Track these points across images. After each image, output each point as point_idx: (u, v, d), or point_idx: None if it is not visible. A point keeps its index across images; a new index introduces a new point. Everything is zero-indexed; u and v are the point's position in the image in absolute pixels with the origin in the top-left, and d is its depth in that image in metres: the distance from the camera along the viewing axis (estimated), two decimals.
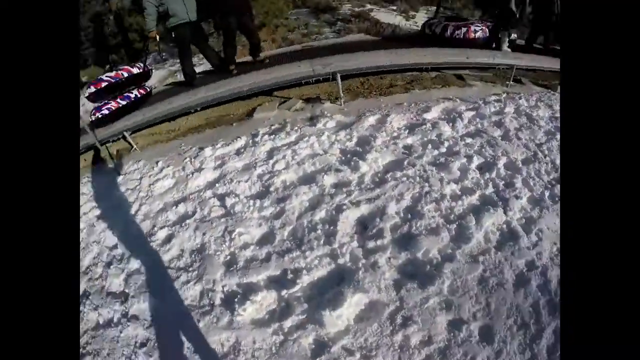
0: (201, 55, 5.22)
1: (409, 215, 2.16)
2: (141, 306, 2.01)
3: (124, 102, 4.43)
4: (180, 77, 5.42)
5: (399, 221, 2.15)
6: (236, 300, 1.85)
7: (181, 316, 1.88)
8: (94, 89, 4.32)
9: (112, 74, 4.44)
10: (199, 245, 2.26)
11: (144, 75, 4.75)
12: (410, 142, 2.82)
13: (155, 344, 1.81)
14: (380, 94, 3.82)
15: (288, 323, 1.73)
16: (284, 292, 1.85)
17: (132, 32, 8.38)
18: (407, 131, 2.97)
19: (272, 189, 2.55)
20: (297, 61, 4.26)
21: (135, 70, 4.53)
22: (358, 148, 2.82)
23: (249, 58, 4.98)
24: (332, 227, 2.15)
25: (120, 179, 3.33)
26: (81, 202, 3.01)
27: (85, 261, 2.43)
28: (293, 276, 1.92)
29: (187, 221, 2.45)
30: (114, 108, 4.34)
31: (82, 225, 2.74)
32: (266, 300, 1.85)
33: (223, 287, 1.97)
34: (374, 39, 6.02)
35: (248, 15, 4.03)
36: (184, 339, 1.78)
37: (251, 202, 2.47)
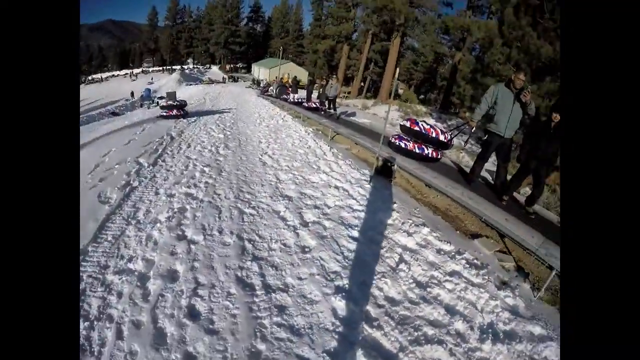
0: None
1: None
2: None
3: (418, 151, 5.39)
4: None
5: None
6: None
7: None
8: (408, 124, 5.42)
9: (427, 126, 5.33)
10: None
11: (445, 145, 5.41)
12: None
13: None
14: None
15: None
16: None
17: (461, 86, 10.53)
18: None
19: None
20: None
21: (441, 137, 5.28)
22: None
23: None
24: None
25: (367, 185, 4.80)
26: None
27: None
28: None
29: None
30: (409, 148, 5.41)
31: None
32: None
33: None
34: None
35: (551, 167, 3.89)
36: None
37: None
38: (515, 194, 4.46)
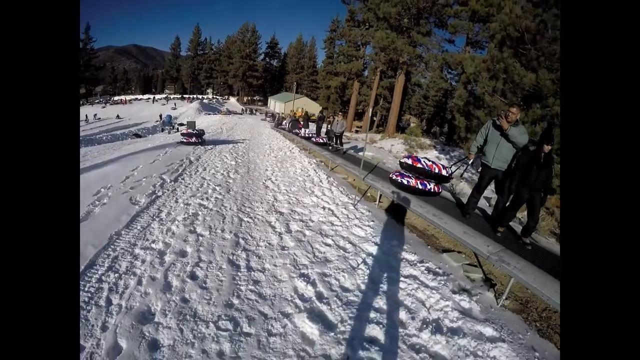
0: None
1: None
2: None
3: (420, 187, 5.63)
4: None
5: None
6: None
7: None
8: (410, 161, 5.71)
9: (429, 162, 5.66)
10: None
11: (447, 178, 5.72)
12: None
13: None
14: None
15: None
16: None
17: (456, 119, 11.38)
18: None
19: None
20: None
21: (444, 172, 5.57)
22: None
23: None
24: None
25: (351, 208, 5.61)
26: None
27: None
28: None
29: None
30: (411, 185, 5.65)
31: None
32: None
33: None
34: None
35: (545, 196, 3.86)
36: None
37: None
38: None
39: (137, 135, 21.60)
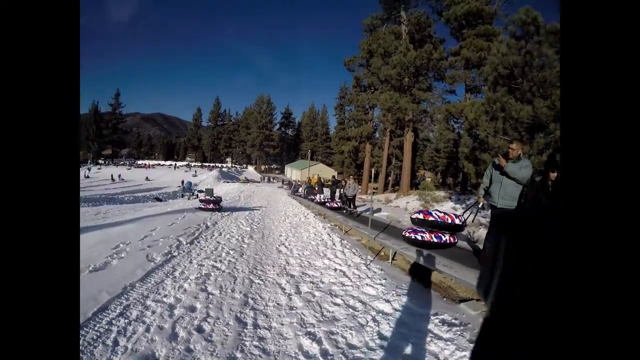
0: None
1: None
2: None
3: (435, 240, 5.40)
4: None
5: None
6: None
7: None
8: (421, 216, 5.53)
9: (441, 214, 5.46)
10: None
11: (461, 227, 5.53)
12: None
13: None
14: None
15: None
16: None
17: (465, 166, 11.20)
18: None
19: None
20: None
21: (457, 221, 5.38)
22: None
23: None
24: None
25: (363, 267, 5.60)
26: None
27: None
28: None
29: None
30: (425, 240, 5.41)
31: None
32: None
33: None
34: None
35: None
36: None
37: None
38: None
39: (158, 199, 22.14)
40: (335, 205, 12.65)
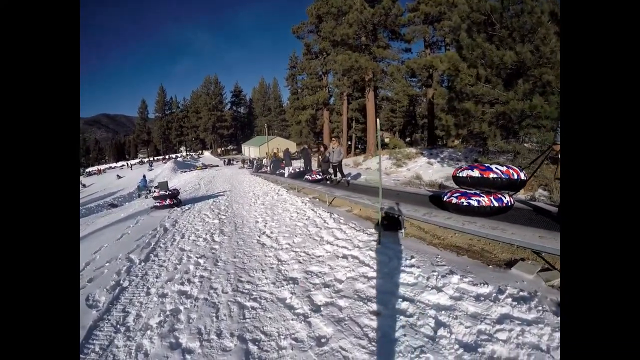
0: None
1: None
2: None
3: (496, 204, 4.14)
4: None
5: None
6: None
7: None
8: (476, 173, 4.30)
9: (503, 168, 4.21)
10: None
11: (524, 184, 4.36)
12: None
13: None
14: None
15: None
16: None
17: (442, 118, 10.75)
18: None
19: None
20: None
21: (522, 176, 4.22)
22: None
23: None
24: None
25: (377, 246, 4.38)
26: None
27: None
28: None
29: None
30: (483, 204, 4.16)
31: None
32: None
33: None
34: None
35: None
36: None
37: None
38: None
39: (113, 205, 19.94)
40: (318, 177, 10.63)
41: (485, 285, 3.06)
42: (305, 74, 31.60)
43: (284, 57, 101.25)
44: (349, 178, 9.93)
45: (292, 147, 49.33)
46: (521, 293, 2.89)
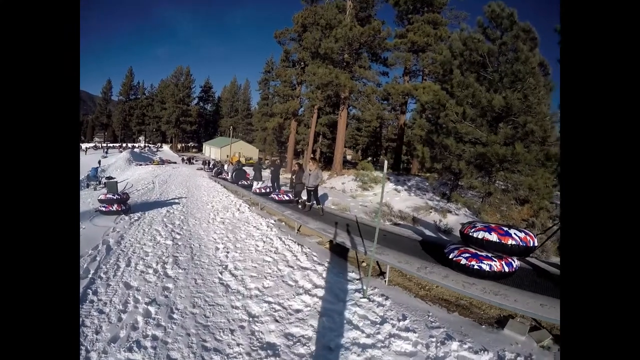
0: None
1: None
2: None
3: (506, 269, 3.85)
4: None
5: None
6: None
7: None
8: (494, 237, 3.92)
9: (522, 234, 3.87)
10: None
11: (532, 250, 4.04)
12: None
13: None
14: None
15: None
16: None
17: (417, 149, 11.22)
18: None
19: None
20: None
21: (535, 242, 3.93)
22: None
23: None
24: None
25: (363, 300, 4.00)
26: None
27: None
28: None
29: None
30: (495, 269, 3.83)
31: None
32: None
33: None
34: None
35: None
36: None
37: None
38: None
39: None
40: (285, 198, 9.74)
41: (486, 353, 2.99)
42: (279, 81, 30.81)
43: (260, 60, 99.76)
44: (323, 205, 9.20)
45: (255, 153, 48.09)
46: (519, 359, 2.94)
